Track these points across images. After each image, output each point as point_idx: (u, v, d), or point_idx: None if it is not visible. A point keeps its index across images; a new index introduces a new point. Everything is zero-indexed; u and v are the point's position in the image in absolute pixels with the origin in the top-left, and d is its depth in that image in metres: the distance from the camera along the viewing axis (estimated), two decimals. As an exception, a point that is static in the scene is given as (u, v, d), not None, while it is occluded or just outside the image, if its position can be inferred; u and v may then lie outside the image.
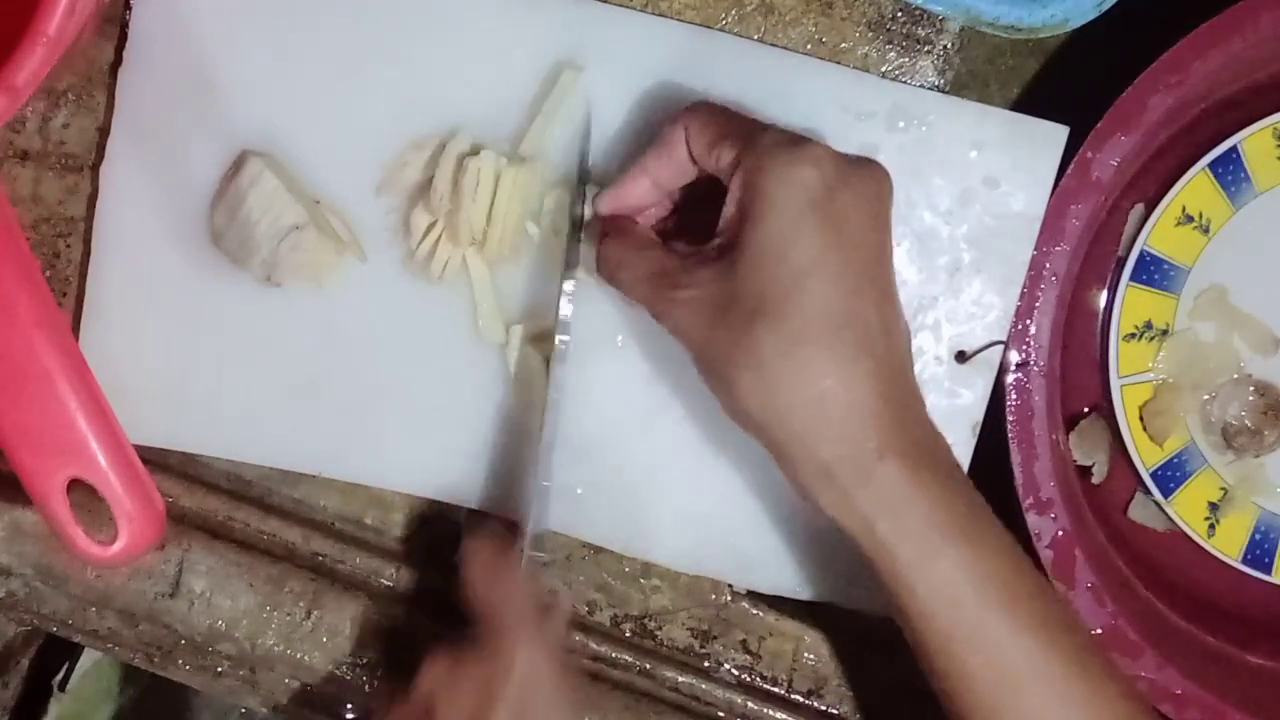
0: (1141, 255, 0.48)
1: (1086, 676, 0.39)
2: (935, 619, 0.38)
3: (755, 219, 0.38)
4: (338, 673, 0.47)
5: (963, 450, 0.47)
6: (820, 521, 0.39)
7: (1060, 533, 0.45)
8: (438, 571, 0.49)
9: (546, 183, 0.46)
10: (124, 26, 0.46)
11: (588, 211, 0.45)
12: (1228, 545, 0.50)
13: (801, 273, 0.37)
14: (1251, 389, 0.49)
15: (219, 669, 0.48)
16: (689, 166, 0.41)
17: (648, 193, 0.43)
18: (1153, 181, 0.48)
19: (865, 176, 0.39)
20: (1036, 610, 0.39)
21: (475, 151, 0.44)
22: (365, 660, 0.47)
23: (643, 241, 0.43)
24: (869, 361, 0.38)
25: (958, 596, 0.38)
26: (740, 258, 0.38)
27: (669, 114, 0.42)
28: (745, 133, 0.39)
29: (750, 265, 0.38)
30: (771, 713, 0.49)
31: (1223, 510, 0.50)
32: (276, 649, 0.47)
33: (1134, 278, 0.48)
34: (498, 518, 0.47)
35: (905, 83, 0.47)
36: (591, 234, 0.45)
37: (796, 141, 0.38)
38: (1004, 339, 0.46)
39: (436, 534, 0.49)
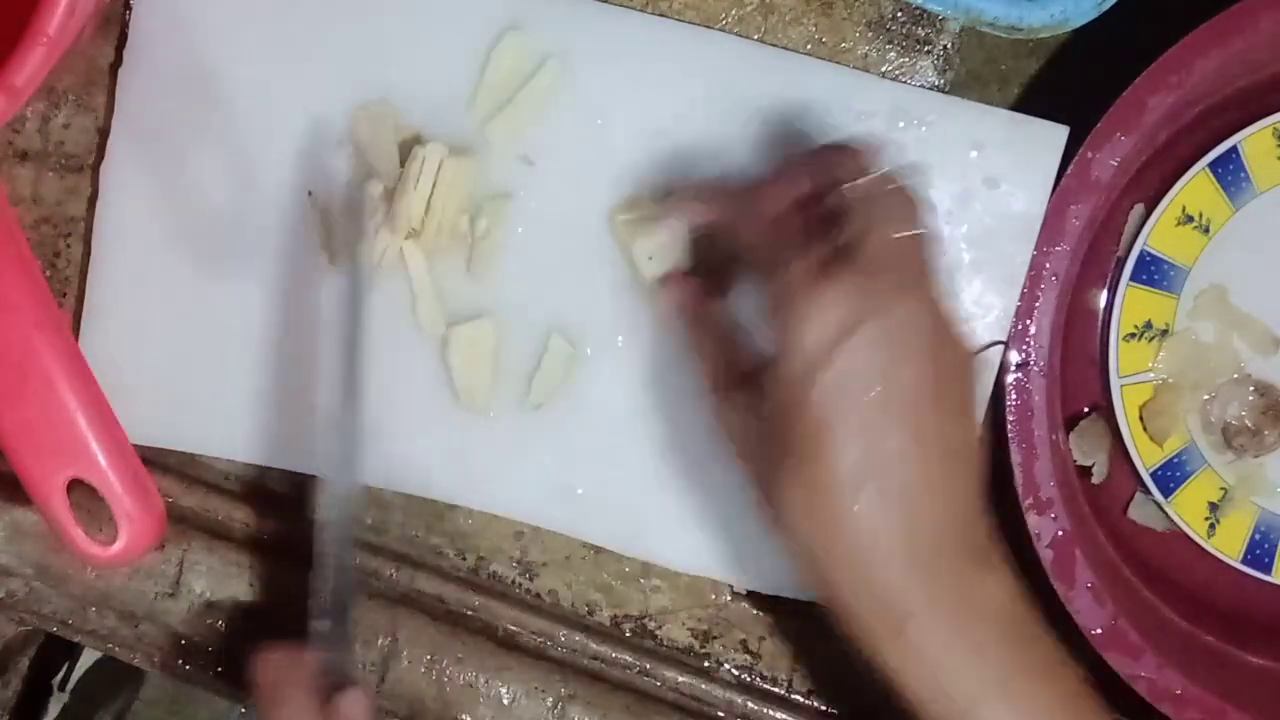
0: (1141, 255, 0.48)
1: None
2: None
3: (778, 361, 0.37)
4: (338, 673, 0.47)
5: (963, 450, 0.47)
6: None
7: (1060, 533, 0.45)
8: (437, 572, 0.49)
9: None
10: (124, 26, 0.46)
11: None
12: (1228, 545, 0.50)
13: (816, 425, 0.36)
14: (1251, 389, 0.49)
15: (219, 669, 0.48)
16: None
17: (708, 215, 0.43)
18: (1153, 181, 0.48)
19: (896, 306, 0.36)
20: None
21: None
22: (365, 660, 0.47)
23: (720, 336, 0.42)
24: (895, 514, 0.36)
25: None
26: (769, 396, 0.38)
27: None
28: (776, 251, 0.38)
29: (774, 408, 0.37)
30: (771, 713, 0.49)
31: (1223, 510, 0.50)
32: (276, 649, 0.47)
33: (1134, 278, 0.48)
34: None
35: (905, 83, 0.47)
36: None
37: (817, 278, 0.36)
38: (1004, 339, 0.46)
39: (437, 534, 0.49)
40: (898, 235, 0.38)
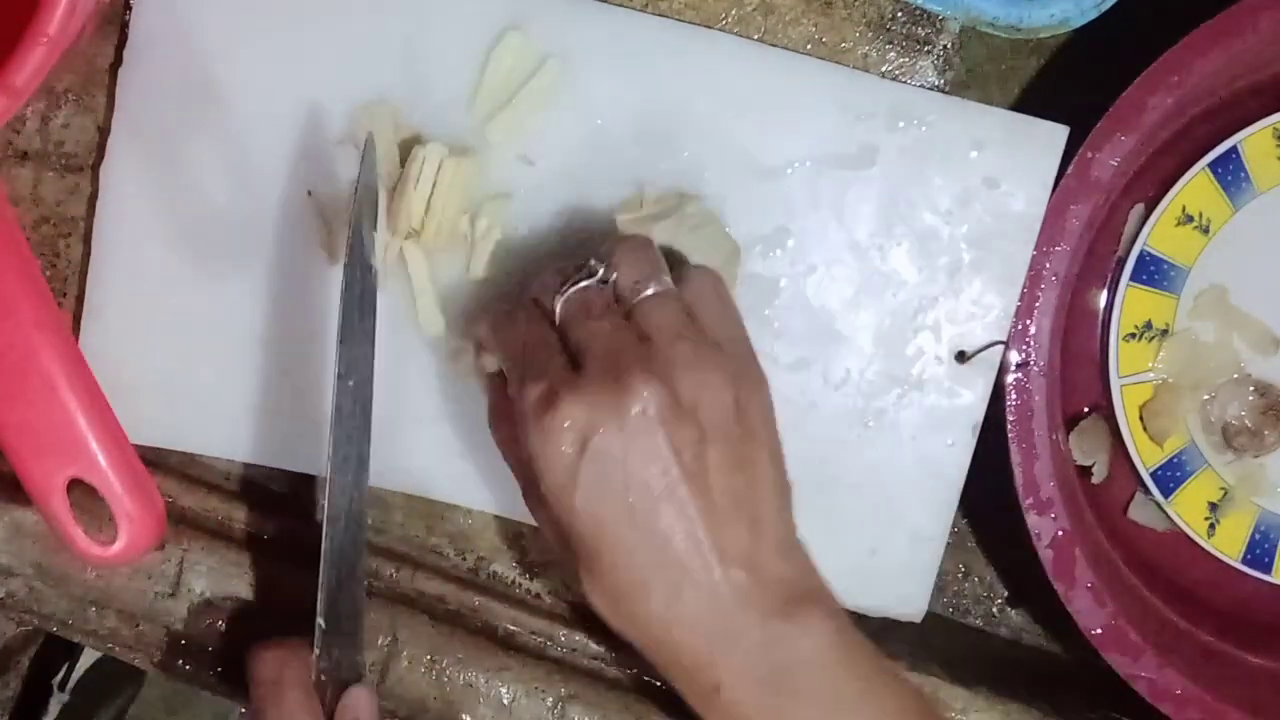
0: (1141, 255, 0.48)
1: None
2: None
3: (538, 479, 0.38)
4: (338, 673, 0.47)
5: (963, 450, 0.47)
6: None
7: (1060, 533, 0.45)
8: (438, 572, 0.49)
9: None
10: (124, 26, 0.46)
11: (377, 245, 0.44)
12: (1228, 545, 0.50)
13: (587, 541, 0.37)
14: (1251, 389, 0.49)
15: (219, 669, 0.48)
16: None
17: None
18: (1153, 181, 0.48)
19: (623, 407, 0.36)
20: None
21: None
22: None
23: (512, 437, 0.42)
24: (684, 597, 0.37)
25: None
26: (544, 504, 0.39)
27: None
28: (515, 382, 0.39)
29: (554, 524, 0.39)
30: (771, 713, 0.49)
31: (1223, 510, 0.50)
32: (276, 649, 0.47)
33: (1134, 278, 0.48)
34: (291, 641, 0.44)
35: (905, 83, 0.47)
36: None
37: (545, 403, 0.37)
38: (1004, 339, 0.46)
39: (437, 534, 0.49)
40: (612, 332, 0.38)
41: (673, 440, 0.37)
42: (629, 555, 0.37)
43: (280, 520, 0.48)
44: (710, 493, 0.37)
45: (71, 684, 0.67)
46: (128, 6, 0.46)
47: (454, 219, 0.45)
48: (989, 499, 0.47)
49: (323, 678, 0.41)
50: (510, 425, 0.42)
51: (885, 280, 0.47)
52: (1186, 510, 0.50)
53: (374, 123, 0.45)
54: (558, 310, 0.39)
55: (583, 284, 0.39)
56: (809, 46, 0.47)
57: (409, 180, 0.44)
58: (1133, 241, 0.48)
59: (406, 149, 0.45)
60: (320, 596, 0.41)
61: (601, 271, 0.40)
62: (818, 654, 0.38)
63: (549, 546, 0.49)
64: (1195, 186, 0.48)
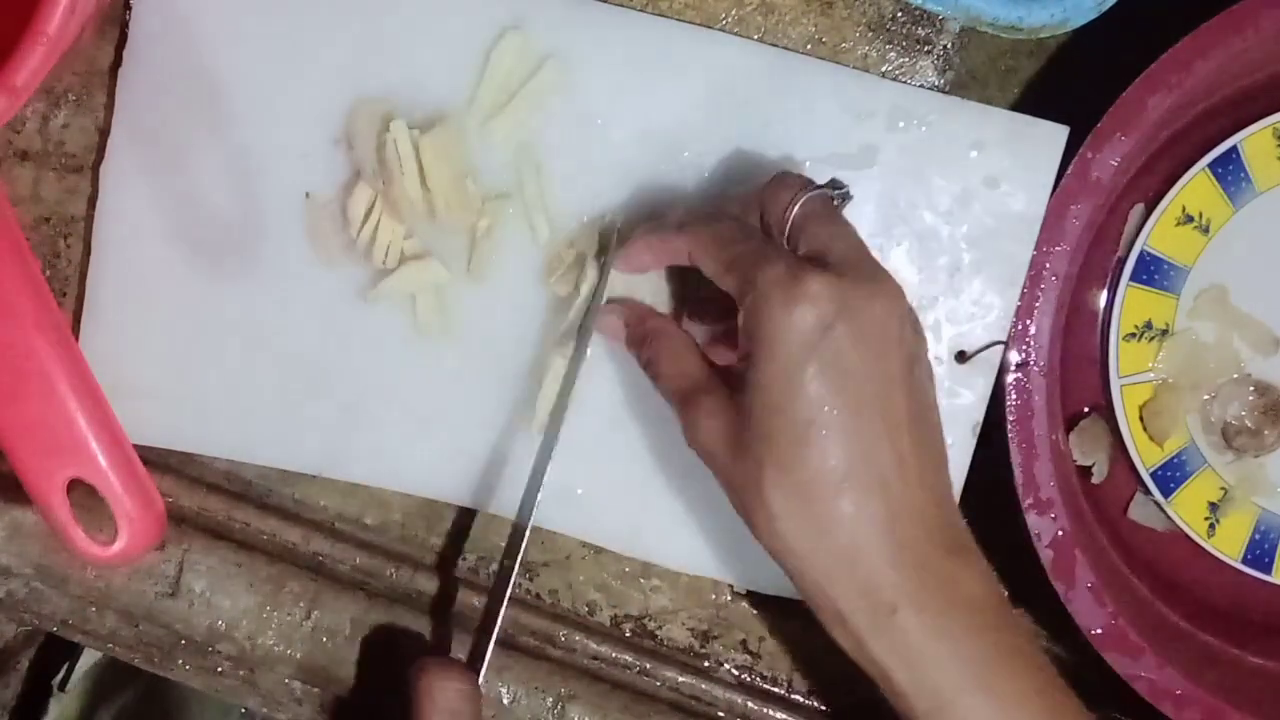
0: (1141, 255, 0.48)
1: None
2: None
3: (756, 363, 0.37)
4: (338, 673, 0.47)
5: (962, 450, 0.47)
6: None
7: (1060, 533, 0.45)
8: (438, 572, 0.49)
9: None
10: (124, 26, 0.46)
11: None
12: (1228, 545, 0.50)
13: (802, 424, 0.37)
14: (1251, 389, 0.49)
15: (219, 669, 0.48)
16: None
17: (660, 263, 0.43)
18: (1153, 181, 0.48)
19: (869, 303, 0.37)
20: None
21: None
22: (365, 660, 0.47)
23: (679, 347, 0.42)
24: (881, 506, 0.37)
25: None
26: (746, 399, 0.38)
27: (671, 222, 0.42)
28: (745, 267, 0.38)
29: (756, 409, 0.38)
30: (771, 713, 0.49)
31: (1223, 510, 0.50)
32: (276, 649, 0.47)
33: (1134, 278, 0.48)
34: (448, 658, 0.45)
35: (905, 83, 0.47)
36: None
37: (794, 278, 0.37)
38: (1004, 339, 0.46)
39: (437, 534, 0.49)
40: (855, 240, 0.39)
41: (905, 349, 0.38)
42: (839, 446, 0.37)
43: (280, 520, 0.48)
44: (919, 412, 0.38)
45: (71, 684, 0.67)
46: (128, 6, 0.46)
47: (457, 186, 0.45)
48: (989, 499, 0.47)
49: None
50: (660, 343, 0.42)
51: (885, 280, 0.47)
52: (1186, 510, 0.50)
53: (369, 123, 0.45)
54: (793, 215, 0.40)
55: (817, 191, 0.40)
56: (809, 46, 0.47)
57: (392, 166, 0.44)
58: (1133, 241, 0.48)
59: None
60: (491, 635, 0.43)
61: (825, 186, 0.41)
62: (984, 601, 0.38)
63: (551, 546, 0.49)
64: (1195, 186, 0.48)
